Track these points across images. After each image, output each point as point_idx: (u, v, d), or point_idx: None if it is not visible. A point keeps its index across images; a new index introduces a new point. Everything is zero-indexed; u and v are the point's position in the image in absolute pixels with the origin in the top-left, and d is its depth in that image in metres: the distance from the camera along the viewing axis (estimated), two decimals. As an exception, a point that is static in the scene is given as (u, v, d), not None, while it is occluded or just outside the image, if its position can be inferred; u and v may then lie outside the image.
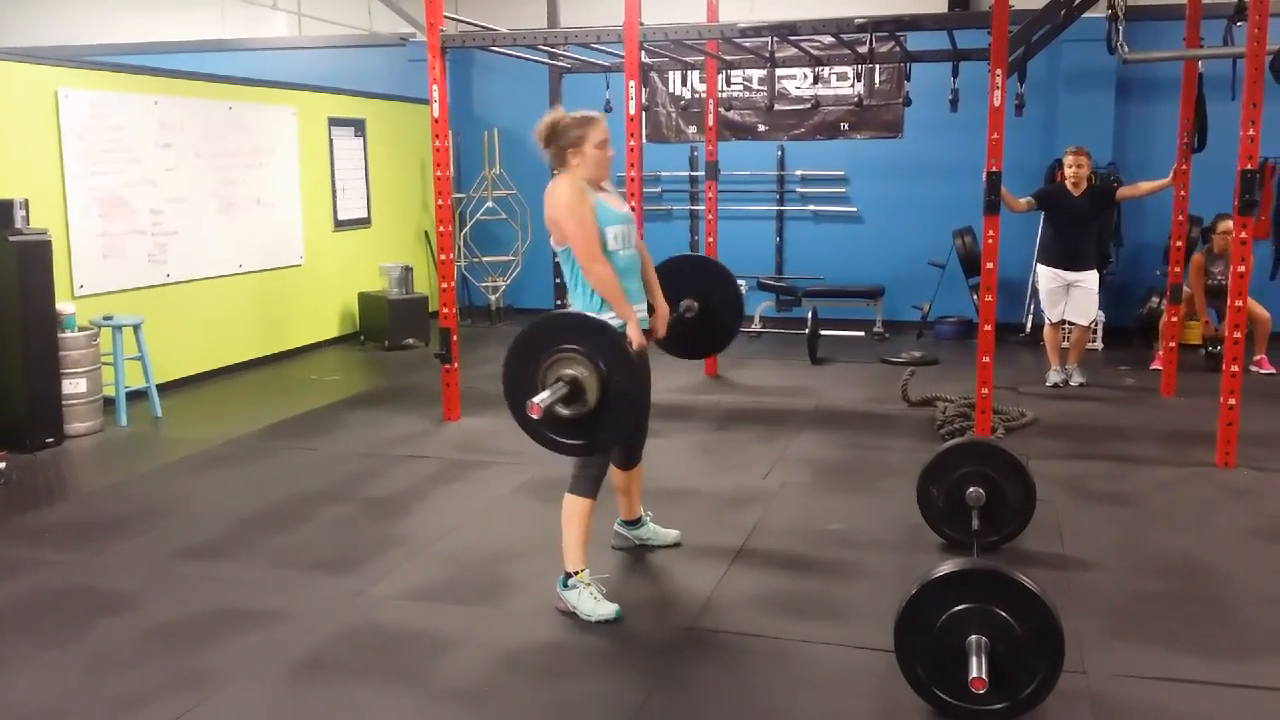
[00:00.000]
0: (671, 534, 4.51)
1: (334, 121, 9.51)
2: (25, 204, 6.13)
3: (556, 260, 8.31)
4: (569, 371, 3.39)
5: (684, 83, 10.59)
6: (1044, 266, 7.58)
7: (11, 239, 5.97)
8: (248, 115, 8.41)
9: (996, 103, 5.53)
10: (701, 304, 4.64)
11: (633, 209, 6.05)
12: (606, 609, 3.77)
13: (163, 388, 7.13)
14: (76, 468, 5.96)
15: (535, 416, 3.31)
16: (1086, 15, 6.52)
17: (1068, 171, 7.32)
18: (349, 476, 5.58)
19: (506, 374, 3.51)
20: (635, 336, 3.82)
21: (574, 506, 3.86)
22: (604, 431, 3.47)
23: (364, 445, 6.19)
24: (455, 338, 6.59)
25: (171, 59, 9.89)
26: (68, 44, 11.67)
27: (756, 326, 9.91)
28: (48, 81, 6.69)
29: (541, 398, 3.32)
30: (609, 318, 3.76)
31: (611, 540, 4.45)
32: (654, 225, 10.25)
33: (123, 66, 7.63)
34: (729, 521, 4.80)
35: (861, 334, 9.67)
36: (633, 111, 6.10)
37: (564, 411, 3.39)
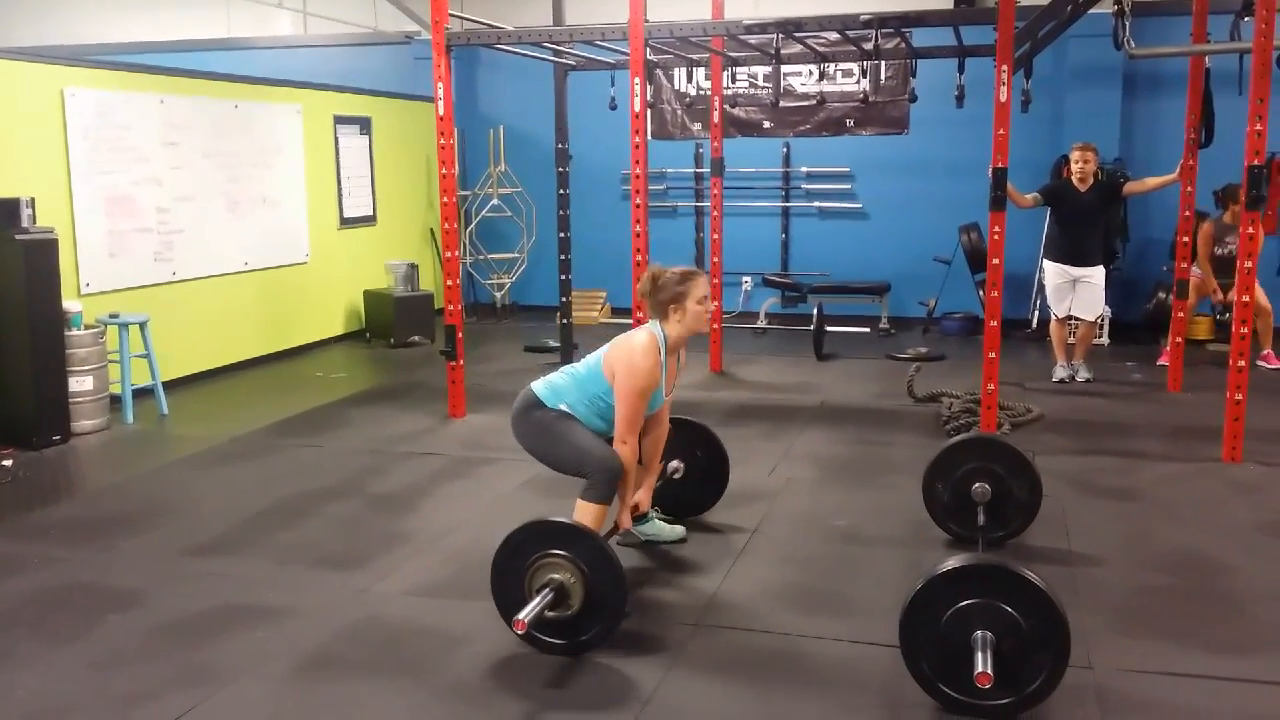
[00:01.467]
0: (677, 530, 4.51)
1: (339, 119, 9.52)
2: (31, 202, 6.14)
3: (563, 259, 8.28)
4: (555, 576, 3.41)
5: (689, 79, 10.59)
6: (1050, 262, 7.57)
7: (18, 237, 5.98)
8: (253, 113, 8.42)
9: (1003, 98, 5.52)
10: (688, 465, 4.65)
11: (637, 206, 6.10)
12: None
13: (169, 385, 7.15)
14: (83, 465, 5.97)
15: (520, 632, 3.33)
16: (1093, 10, 6.50)
17: (1074, 167, 7.30)
18: (354, 473, 5.59)
19: (494, 574, 3.54)
20: (625, 520, 4.12)
21: (589, 513, 3.90)
22: (586, 634, 3.46)
23: (369, 442, 6.20)
24: (460, 335, 6.60)
25: (177, 58, 9.92)
26: (74, 43, 11.71)
27: (762, 323, 9.92)
28: (54, 80, 6.71)
29: (527, 612, 3.32)
30: (570, 410, 3.98)
31: (619, 537, 4.45)
32: (659, 222, 10.26)
33: (128, 65, 7.64)
34: (735, 517, 4.80)
35: (867, 330, 9.66)
36: (638, 109, 6.09)
37: (548, 614, 3.40)
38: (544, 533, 3.51)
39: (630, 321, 5.92)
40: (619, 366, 3.95)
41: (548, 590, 3.39)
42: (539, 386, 4.12)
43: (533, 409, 4.09)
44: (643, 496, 4.28)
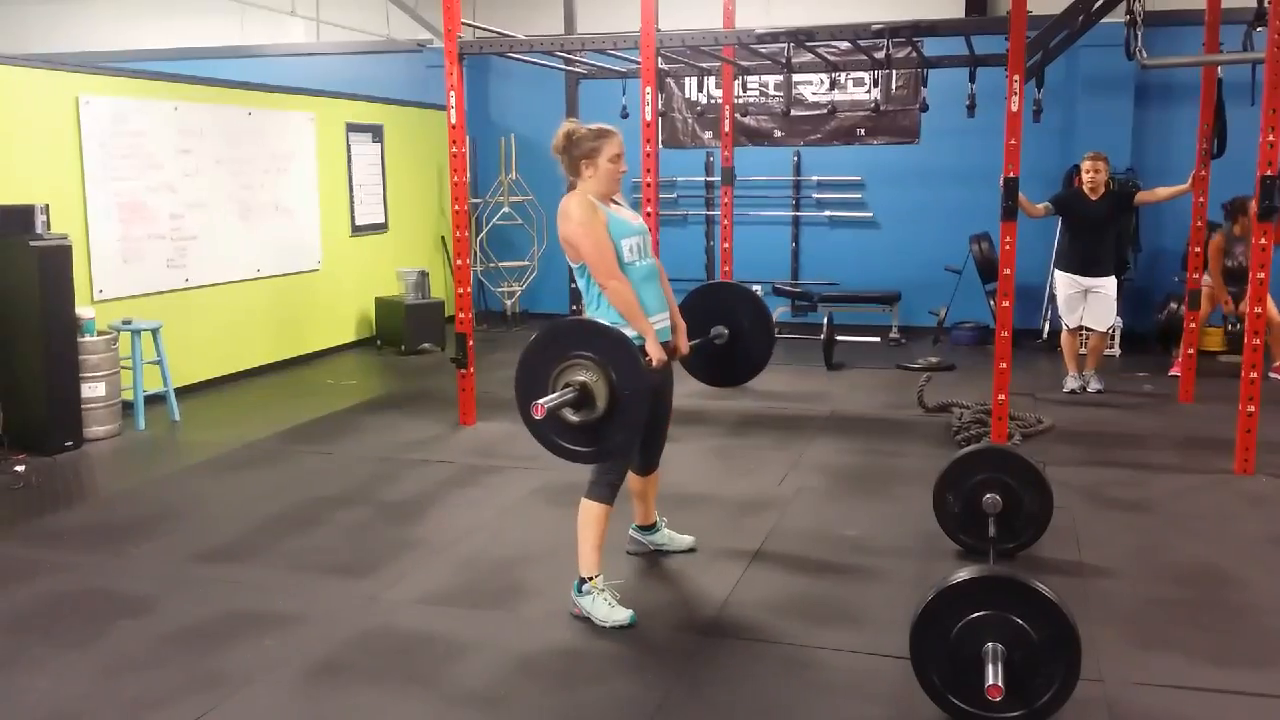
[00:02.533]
0: (686, 539, 4.51)
1: (352, 127, 9.56)
2: (46, 209, 6.18)
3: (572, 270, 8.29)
4: (579, 377, 3.40)
5: (700, 88, 10.60)
6: (1062, 272, 7.55)
7: (32, 244, 6.01)
8: (266, 121, 8.46)
9: (1014, 108, 5.51)
10: (731, 330, 4.63)
11: (648, 214, 6.11)
12: (621, 614, 3.77)
13: (181, 392, 7.17)
14: (95, 471, 5.99)
15: (538, 416, 3.31)
16: (1105, 21, 6.50)
17: (1085, 177, 7.29)
18: (365, 480, 5.60)
19: (519, 377, 3.52)
20: (655, 352, 3.80)
21: (590, 513, 3.86)
22: (611, 439, 3.46)
23: (380, 449, 6.21)
24: (471, 342, 6.61)
25: (190, 65, 9.94)
26: (88, 50, 11.77)
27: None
28: (68, 88, 6.75)
29: (547, 399, 3.32)
30: (628, 334, 3.76)
31: (626, 545, 4.45)
32: (670, 231, 10.26)
33: (142, 73, 7.68)
34: (744, 527, 4.79)
35: (878, 339, 9.65)
36: (649, 117, 6.11)
37: (572, 417, 3.39)
38: (567, 334, 3.50)
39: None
40: (560, 228, 3.87)
41: (570, 389, 3.38)
42: None
43: None
44: (680, 341, 4.11)
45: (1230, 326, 8.02)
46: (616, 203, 3.99)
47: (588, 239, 3.80)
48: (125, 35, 12.28)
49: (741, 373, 4.74)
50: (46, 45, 11.96)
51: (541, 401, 3.31)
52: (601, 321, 3.63)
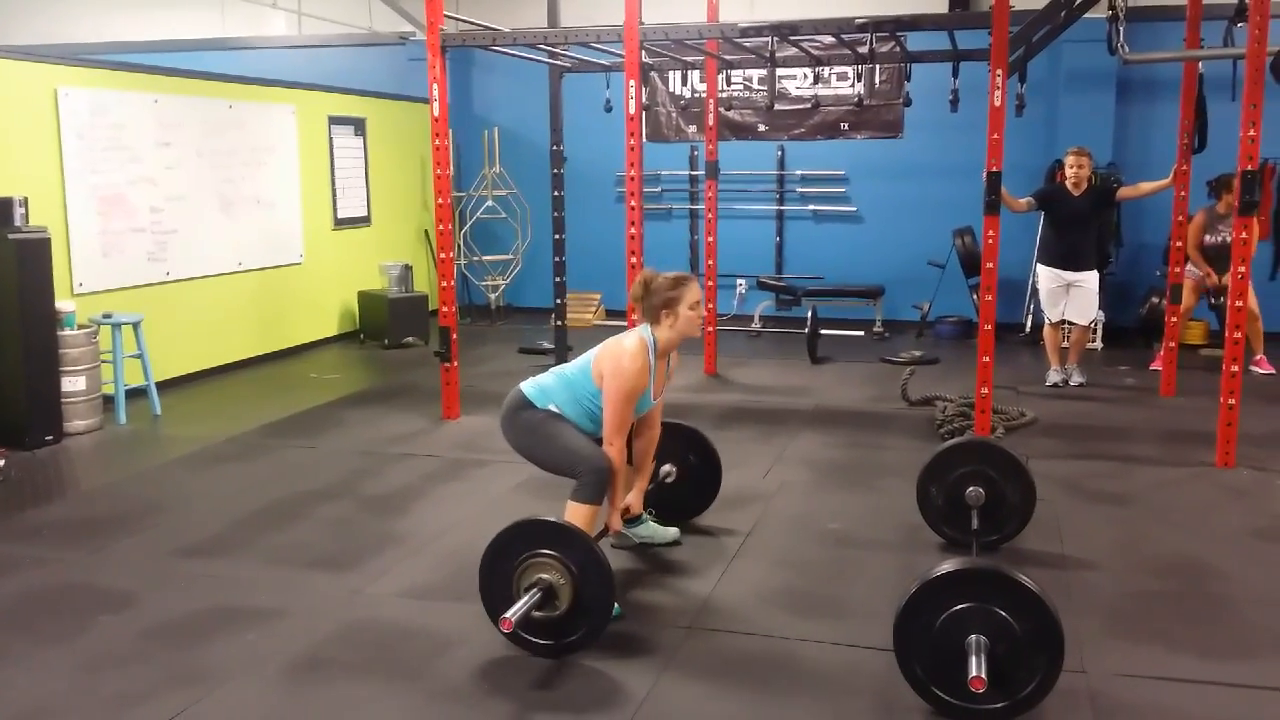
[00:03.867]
0: (671, 532, 4.51)
1: (334, 120, 9.51)
2: (24, 202, 6.13)
3: (558, 260, 8.30)
4: (544, 577, 3.41)
5: (684, 82, 10.60)
6: (1044, 266, 7.58)
7: (11, 237, 5.96)
8: (248, 114, 8.41)
9: (997, 103, 5.53)
10: (680, 469, 4.65)
11: (632, 208, 6.10)
12: (605, 608, 3.77)
13: (162, 386, 7.13)
14: (75, 466, 5.95)
15: (506, 631, 3.32)
16: (1087, 16, 6.53)
17: (1069, 172, 7.31)
18: (348, 474, 5.58)
19: (482, 573, 3.54)
20: (615, 525, 4.10)
21: (578, 513, 3.88)
22: (573, 635, 3.45)
23: (363, 443, 6.19)
24: (455, 336, 6.59)
25: (171, 57, 9.90)
26: (67, 42, 11.67)
27: (756, 326, 9.92)
28: (47, 80, 6.69)
29: (514, 611, 3.32)
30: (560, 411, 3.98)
31: (611, 539, 4.45)
32: (654, 225, 10.25)
33: (122, 65, 7.63)
34: (728, 520, 4.80)
35: (861, 333, 9.68)
36: (633, 111, 6.09)
37: (536, 614, 3.40)
38: (532, 532, 3.51)
39: (625, 323, 5.93)
40: (607, 369, 3.95)
41: (535, 590, 3.39)
42: (528, 387, 4.12)
43: (522, 409, 4.09)
44: (634, 499, 4.28)
45: (1212, 300, 8.01)
46: (671, 353, 4.19)
47: (619, 400, 3.93)
48: (105, 27, 12.18)
49: (692, 507, 4.73)
50: (25, 37, 11.85)
51: (509, 615, 3.31)
52: (571, 525, 3.62)
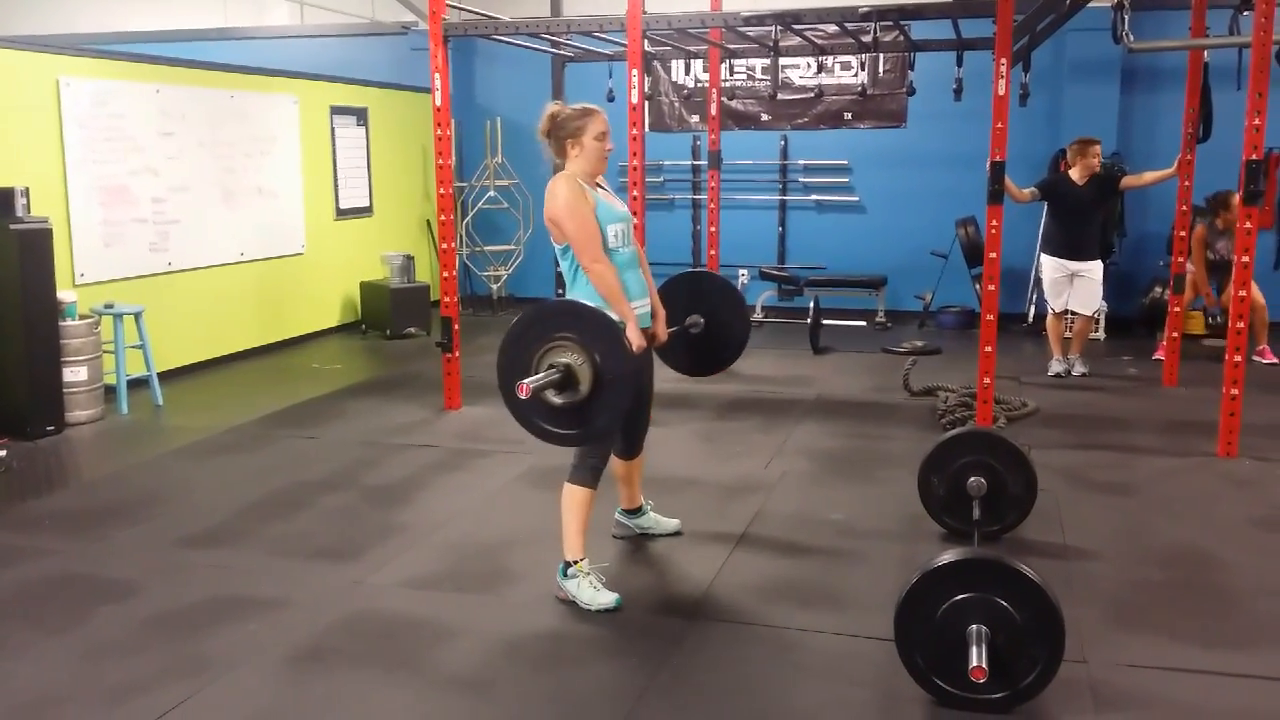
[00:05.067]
0: (672, 523, 4.51)
1: (336, 110, 9.49)
2: (26, 192, 6.12)
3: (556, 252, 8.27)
4: (563, 359, 3.38)
5: (687, 72, 10.57)
6: (1048, 256, 7.57)
7: (12, 227, 5.96)
8: (249, 104, 8.40)
9: (1001, 92, 5.51)
10: (707, 318, 4.60)
11: (635, 198, 6.09)
12: (606, 598, 3.77)
13: (164, 376, 7.13)
14: (77, 456, 5.96)
15: (523, 396, 3.29)
16: (1092, 4, 6.47)
17: (1093, 162, 7.24)
18: (350, 465, 5.58)
19: (502, 358, 3.50)
20: (635, 338, 3.78)
21: (574, 496, 3.85)
22: (596, 421, 3.44)
23: (365, 434, 6.19)
24: (457, 326, 6.59)
25: (173, 47, 9.86)
26: (69, 32, 11.66)
27: (759, 316, 9.91)
28: (49, 70, 6.68)
29: (532, 379, 3.31)
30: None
31: (612, 529, 4.45)
32: (657, 215, 10.24)
33: (124, 55, 7.61)
34: (730, 510, 4.80)
35: (864, 324, 9.66)
36: (635, 101, 6.08)
37: (556, 399, 3.38)
38: (551, 316, 3.48)
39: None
40: (547, 208, 3.84)
41: (553, 369, 3.36)
42: None
43: None
44: (660, 328, 4.10)
45: (1211, 320, 8.05)
46: (602, 186, 3.97)
47: (573, 220, 3.77)
48: (107, 17, 12.17)
49: (716, 361, 4.71)
50: (27, 26, 11.84)
51: (526, 381, 3.29)
52: (586, 303, 3.61)
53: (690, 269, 4.41)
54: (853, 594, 3.94)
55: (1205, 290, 7.98)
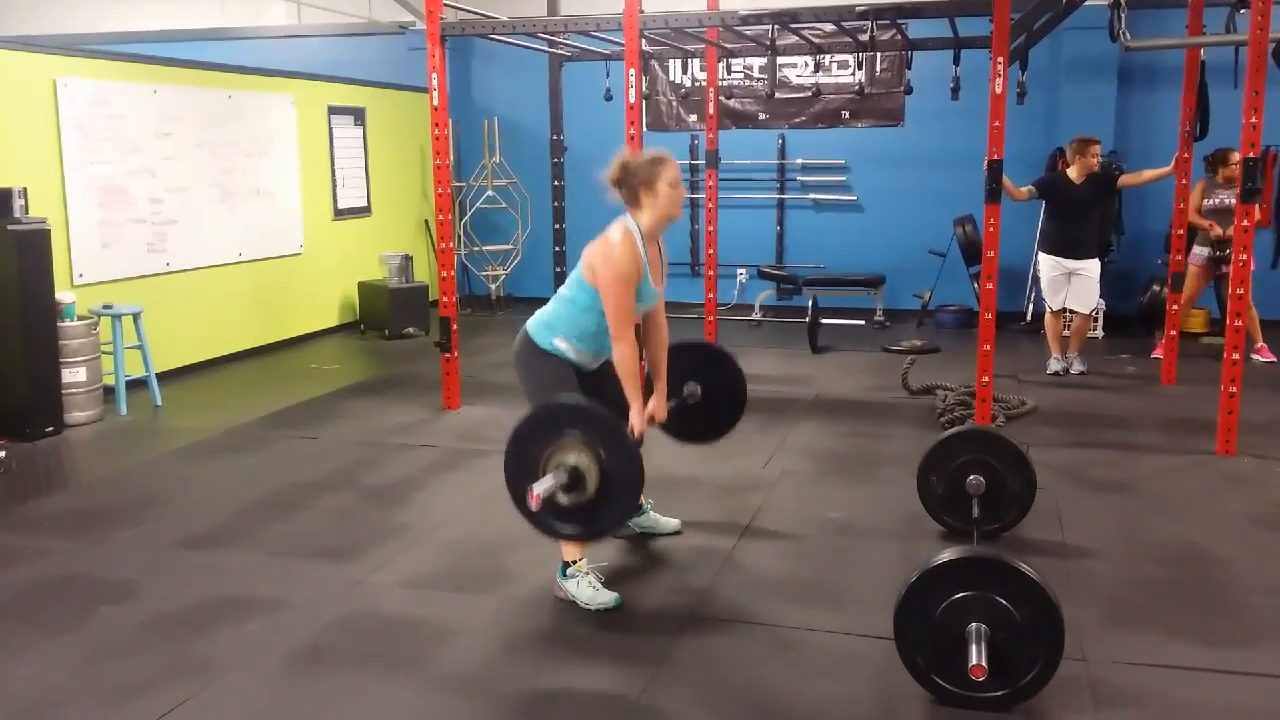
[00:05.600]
0: (672, 522, 4.51)
1: (333, 110, 9.49)
2: (24, 193, 6.11)
3: (558, 250, 8.30)
4: (569, 459, 3.39)
5: (684, 71, 10.57)
6: (1045, 255, 7.57)
7: (10, 228, 5.95)
8: (247, 104, 8.39)
9: (998, 91, 5.51)
10: (704, 388, 4.59)
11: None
12: (605, 597, 3.77)
13: (162, 376, 7.13)
14: (76, 457, 5.96)
15: (535, 507, 3.31)
16: (1088, 3, 6.50)
17: (1092, 161, 7.24)
18: (349, 465, 5.58)
19: (508, 460, 3.51)
20: (639, 425, 3.81)
21: None
22: (601, 520, 3.46)
23: (364, 434, 6.19)
24: (455, 326, 6.59)
25: (170, 48, 9.85)
26: (66, 33, 11.64)
27: (757, 315, 9.91)
28: (46, 70, 6.67)
29: (542, 486, 3.31)
30: (565, 347, 3.84)
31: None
32: (654, 214, 10.21)
33: (121, 55, 7.61)
34: (729, 509, 4.80)
35: (862, 322, 9.66)
36: (633, 100, 6.08)
37: (563, 499, 3.39)
38: (559, 416, 3.48)
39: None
40: (597, 261, 3.81)
41: (563, 470, 3.37)
42: (532, 325, 4.00)
43: (528, 355, 3.99)
44: (657, 406, 4.06)
45: (1217, 252, 7.80)
46: (660, 245, 4.00)
47: (619, 288, 3.75)
48: (104, 17, 12.15)
49: (716, 428, 4.70)
50: (24, 27, 11.82)
51: (537, 490, 3.30)
52: (594, 405, 3.56)
53: (685, 342, 4.40)
54: (852, 592, 3.94)
55: (1207, 223, 7.73)
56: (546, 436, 3.42)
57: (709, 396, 4.58)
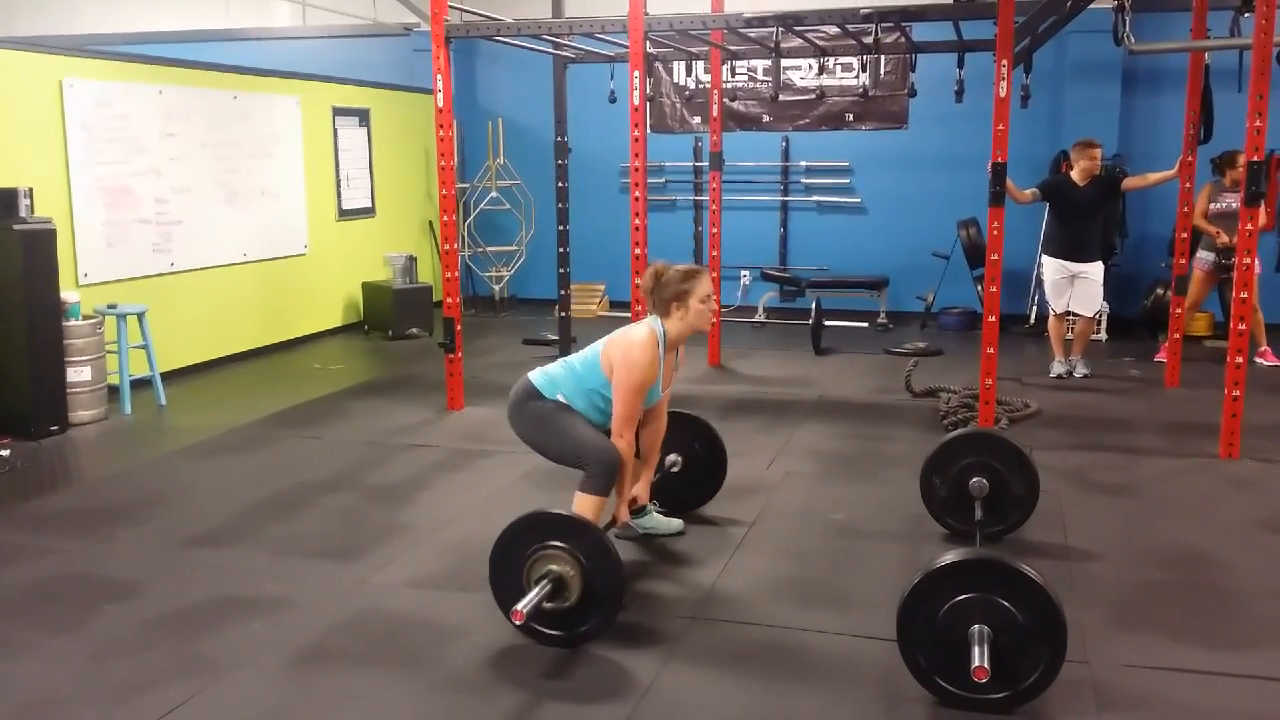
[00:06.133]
0: (675, 523, 4.51)
1: (338, 111, 9.51)
2: (30, 192, 6.13)
3: (562, 252, 8.30)
4: (553, 568, 3.42)
5: (688, 73, 10.58)
6: (1049, 258, 7.57)
7: (16, 228, 5.97)
8: (252, 105, 8.41)
9: (1002, 94, 5.52)
10: (686, 458, 4.66)
11: (636, 199, 6.10)
12: (609, 598, 3.78)
13: (167, 376, 7.14)
14: (81, 456, 5.97)
15: (518, 623, 3.34)
16: (1093, 6, 6.49)
17: (1089, 164, 7.24)
18: (352, 465, 5.59)
19: (492, 567, 3.54)
20: (623, 516, 4.10)
21: (586, 503, 3.91)
22: (584, 627, 3.47)
23: (367, 434, 6.20)
24: (459, 327, 6.60)
25: (176, 48, 9.87)
26: (72, 33, 11.67)
27: (760, 317, 9.92)
28: (52, 71, 6.69)
29: (525, 603, 3.33)
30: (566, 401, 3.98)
31: (615, 529, 4.46)
32: (658, 216, 10.25)
33: (127, 56, 7.63)
34: (733, 511, 4.80)
35: (865, 325, 9.67)
36: (637, 102, 6.09)
37: (546, 605, 3.41)
38: (543, 525, 3.51)
39: (629, 315, 5.93)
40: (617, 360, 3.95)
41: (546, 581, 3.40)
42: (536, 376, 4.13)
43: (530, 399, 4.10)
44: (640, 489, 4.29)
45: (1222, 260, 7.80)
46: (679, 351, 4.21)
47: (631, 390, 3.92)
48: (110, 18, 12.18)
49: (697, 498, 4.75)
50: (31, 28, 11.85)
51: (520, 607, 3.32)
52: (581, 516, 3.66)
53: (671, 412, 4.47)
54: (855, 594, 3.94)
55: (1214, 230, 7.70)
56: (532, 543, 3.47)
57: (690, 467, 4.68)
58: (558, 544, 3.43)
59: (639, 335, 3.96)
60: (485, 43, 9.65)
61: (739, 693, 3.24)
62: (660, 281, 4.01)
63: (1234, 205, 7.30)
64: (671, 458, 4.61)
